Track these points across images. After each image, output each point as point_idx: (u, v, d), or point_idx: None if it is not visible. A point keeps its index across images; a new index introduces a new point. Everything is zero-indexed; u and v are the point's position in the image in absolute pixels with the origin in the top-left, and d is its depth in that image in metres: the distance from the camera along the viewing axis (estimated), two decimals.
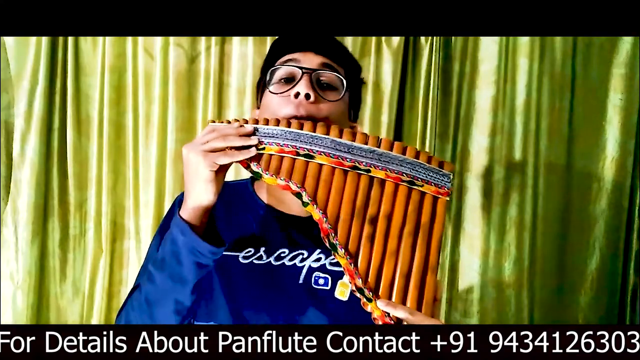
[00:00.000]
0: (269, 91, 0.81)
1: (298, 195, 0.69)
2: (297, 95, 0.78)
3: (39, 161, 1.24)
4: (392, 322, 0.68)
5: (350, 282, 0.68)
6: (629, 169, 1.27)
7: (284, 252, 0.81)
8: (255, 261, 0.80)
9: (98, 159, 1.27)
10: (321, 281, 0.79)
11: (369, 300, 0.68)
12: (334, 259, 0.78)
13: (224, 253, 0.78)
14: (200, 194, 0.70)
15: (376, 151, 0.70)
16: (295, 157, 0.70)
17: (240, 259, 0.80)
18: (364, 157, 0.70)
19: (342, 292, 0.78)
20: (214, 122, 0.75)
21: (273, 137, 0.71)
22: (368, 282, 0.68)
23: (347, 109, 0.85)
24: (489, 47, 1.24)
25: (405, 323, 0.68)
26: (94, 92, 1.27)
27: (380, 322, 0.69)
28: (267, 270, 0.79)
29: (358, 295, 0.68)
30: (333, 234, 0.68)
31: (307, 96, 0.77)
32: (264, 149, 0.70)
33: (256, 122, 0.72)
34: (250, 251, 0.81)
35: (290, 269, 0.80)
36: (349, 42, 1.25)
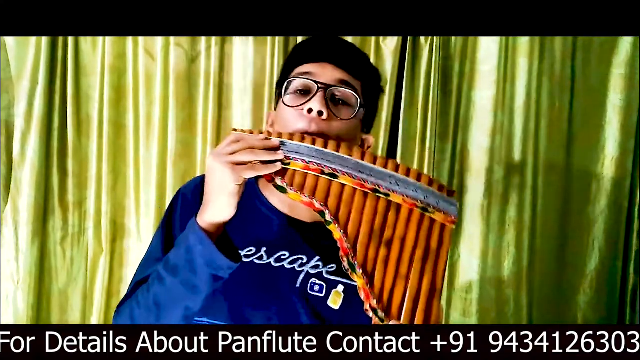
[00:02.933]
0: (283, 102, 0.81)
1: (321, 214, 0.70)
2: (310, 110, 0.77)
3: (39, 161, 1.24)
4: None
5: (365, 302, 0.69)
6: (629, 169, 1.27)
7: (284, 255, 0.81)
8: (256, 261, 0.81)
9: (98, 159, 1.27)
10: (316, 288, 0.80)
11: (382, 320, 0.69)
12: (331, 267, 0.80)
13: None
14: (223, 207, 0.70)
15: (395, 176, 0.72)
16: (319, 175, 0.71)
17: (242, 258, 0.80)
18: (384, 181, 0.72)
19: (335, 300, 0.80)
20: (235, 130, 0.74)
21: (299, 153, 0.71)
22: (383, 302, 0.69)
23: (360, 124, 0.85)
24: (489, 47, 1.24)
25: None
26: (94, 92, 1.27)
27: None
28: (267, 271, 0.80)
29: (371, 314, 0.69)
30: (352, 254, 0.69)
31: (320, 113, 0.77)
32: (289, 164, 0.71)
33: (280, 135, 0.73)
34: (251, 250, 0.81)
35: (289, 272, 0.80)
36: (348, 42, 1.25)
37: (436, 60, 1.23)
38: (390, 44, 1.25)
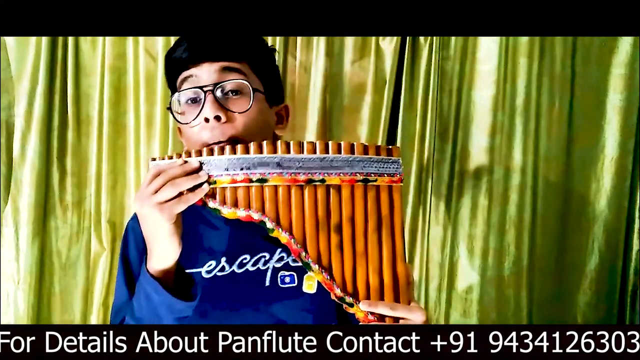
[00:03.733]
0: (180, 122, 0.77)
1: (262, 223, 0.69)
2: (207, 120, 0.74)
3: (39, 161, 1.24)
4: (375, 319, 0.70)
5: (330, 293, 0.69)
6: (629, 169, 1.27)
7: (245, 259, 0.80)
8: (218, 273, 0.79)
9: (98, 159, 1.27)
10: (287, 279, 0.79)
11: (351, 305, 0.69)
12: None
13: (188, 271, 0.77)
14: (166, 251, 0.69)
15: (326, 158, 0.70)
16: (249, 184, 0.69)
17: (204, 274, 0.79)
18: (317, 168, 0.69)
19: (310, 285, 0.79)
20: (154, 159, 0.71)
21: (221, 168, 0.68)
22: (346, 289, 0.69)
23: (265, 105, 0.81)
24: (489, 47, 1.24)
25: (387, 318, 0.70)
26: (94, 92, 1.27)
27: (365, 322, 0.71)
28: (232, 280, 0.78)
29: (339, 303, 0.69)
30: (304, 253, 0.69)
31: (218, 118, 0.74)
32: (215, 182, 0.68)
33: (200, 153, 0.70)
34: (211, 264, 0.79)
35: (255, 273, 0.79)
36: (348, 42, 1.25)
37: (436, 60, 1.23)
38: (390, 44, 1.25)
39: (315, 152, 0.70)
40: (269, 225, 0.69)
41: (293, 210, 0.69)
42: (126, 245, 0.86)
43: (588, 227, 1.29)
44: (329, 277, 0.69)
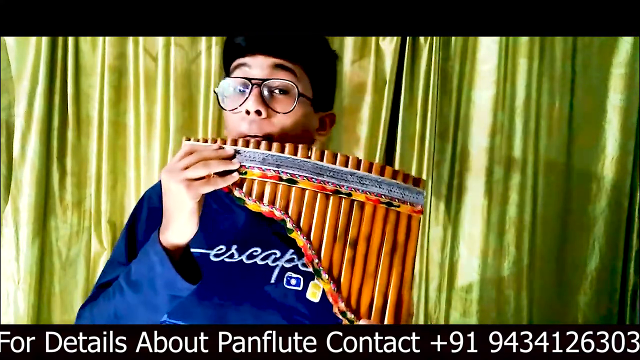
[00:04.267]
0: (222, 107, 0.78)
1: (283, 222, 0.69)
2: (248, 112, 0.75)
3: (39, 161, 1.24)
4: None
5: (334, 306, 0.69)
6: (629, 169, 1.27)
7: (256, 251, 0.80)
8: (226, 259, 0.79)
9: (98, 159, 1.27)
10: (293, 281, 0.79)
11: (351, 322, 0.69)
12: None
13: (196, 251, 0.77)
14: (183, 226, 0.68)
15: (356, 174, 0.71)
16: (278, 182, 0.69)
17: (212, 257, 0.79)
18: (346, 181, 0.70)
19: (314, 293, 0.78)
20: (189, 139, 0.72)
21: (254, 160, 0.69)
22: (350, 304, 0.69)
23: (310, 109, 0.81)
24: (489, 47, 1.24)
25: None
26: (94, 92, 1.27)
27: None
28: (239, 269, 0.78)
29: (340, 317, 0.69)
30: (317, 260, 0.69)
31: (259, 112, 0.75)
32: (245, 173, 0.69)
33: (235, 142, 0.70)
34: (221, 249, 0.79)
35: (263, 268, 0.79)
36: (348, 42, 1.25)
37: (436, 60, 1.23)
38: (390, 45, 1.25)
39: (347, 166, 0.71)
40: (289, 225, 0.69)
41: (315, 217, 0.70)
42: (139, 212, 0.86)
43: (588, 227, 1.29)
44: (336, 289, 0.69)
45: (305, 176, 0.69)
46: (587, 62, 1.27)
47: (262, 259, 0.79)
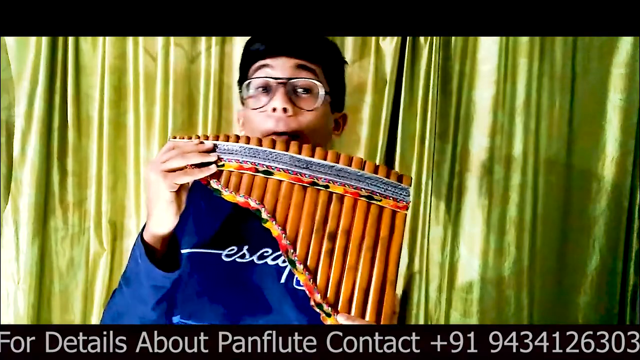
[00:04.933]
0: (247, 106, 0.80)
1: (257, 212, 0.70)
2: (274, 109, 0.77)
3: (39, 161, 1.24)
4: None
5: (310, 298, 0.69)
6: (629, 169, 1.27)
7: (267, 252, 0.81)
8: (237, 259, 0.80)
9: (98, 159, 1.27)
10: None
11: (328, 315, 0.68)
12: None
13: (207, 251, 0.78)
14: (163, 216, 0.71)
15: (335, 167, 0.71)
16: (254, 173, 0.71)
17: (223, 257, 0.80)
18: (323, 173, 0.71)
19: None
20: (175, 137, 0.75)
21: (232, 153, 0.71)
22: (327, 297, 0.69)
23: (328, 108, 0.84)
24: (489, 47, 1.24)
25: None
26: (94, 92, 1.27)
27: None
28: (249, 269, 0.79)
29: (317, 310, 0.68)
30: (292, 250, 0.69)
31: (285, 110, 0.77)
32: (223, 165, 0.71)
33: (217, 138, 0.73)
34: (233, 249, 0.81)
35: (273, 268, 0.80)
36: (348, 42, 1.25)
37: (436, 60, 1.23)
38: (390, 45, 1.25)
39: (325, 159, 0.72)
40: (264, 215, 0.70)
41: (291, 208, 0.70)
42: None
43: (588, 227, 1.29)
44: (311, 280, 0.69)
45: (281, 168, 0.71)
46: (587, 62, 1.27)
47: (273, 259, 0.81)
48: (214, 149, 0.71)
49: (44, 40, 1.22)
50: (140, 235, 0.74)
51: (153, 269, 0.71)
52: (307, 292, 0.69)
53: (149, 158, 1.27)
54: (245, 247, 0.81)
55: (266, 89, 0.80)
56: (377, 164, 0.73)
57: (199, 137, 0.73)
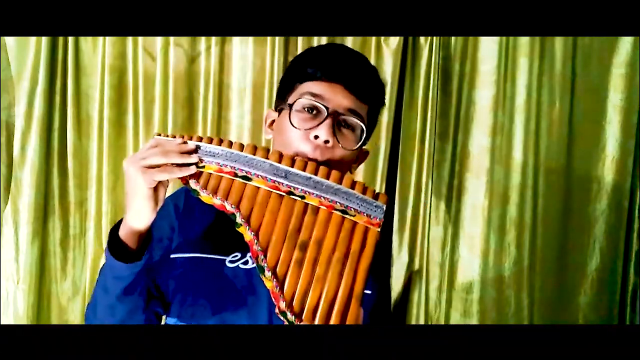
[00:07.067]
0: (290, 122, 0.79)
1: (233, 216, 0.70)
2: (316, 137, 0.77)
3: (39, 161, 1.24)
4: None
5: (275, 305, 0.69)
6: (629, 169, 1.27)
7: None
8: (241, 266, 0.81)
9: (98, 159, 1.27)
10: None
11: (291, 323, 0.68)
12: None
13: (211, 256, 0.78)
14: (140, 210, 0.71)
15: (312, 178, 0.72)
16: (233, 177, 0.71)
17: (227, 263, 0.80)
18: (300, 184, 0.71)
19: None
20: (159, 135, 0.75)
21: (214, 156, 0.72)
22: (292, 306, 0.68)
23: (360, 147, 0.84)
24: (489, 47, 1.24)
25: None
26: (94, 92, 1.27)
27: None
28: (252, 275, 0.79)
29: (281, 317, 0.68)
30: (262, 257, 0.69)
31: (326, 142, 0.77)
32: (203, 167, 0.71)
33: (200, 139, 0.73)
34: (236, 255, 0.81)
35: None
36: (348, 42, 1.25)
37: (436, 60, 1.24)
38: (390, 45, 1.25)
39: (304, 170, 0.72)
40: (239, 220, 0.70)
41: (266, 215, 0.71)
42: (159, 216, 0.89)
43: (589, 227, 1.29)
44: (278, 288, 0.69)
45: (260, 175, 0.71)
46: (587, 62, 1.27)
47: None
48: (196, 150, 0.72)
49: (44, 40, 1.23)
50: (114, 227, 0.75)
51: (113, 260, 0.72)
52: (273, 299, 0.69)
53: None
54: (249, 254, 0.81)
55: (313, 110, 0.79)
56: (355, 180, 0.74)
57: (183, 137, 0.73)
